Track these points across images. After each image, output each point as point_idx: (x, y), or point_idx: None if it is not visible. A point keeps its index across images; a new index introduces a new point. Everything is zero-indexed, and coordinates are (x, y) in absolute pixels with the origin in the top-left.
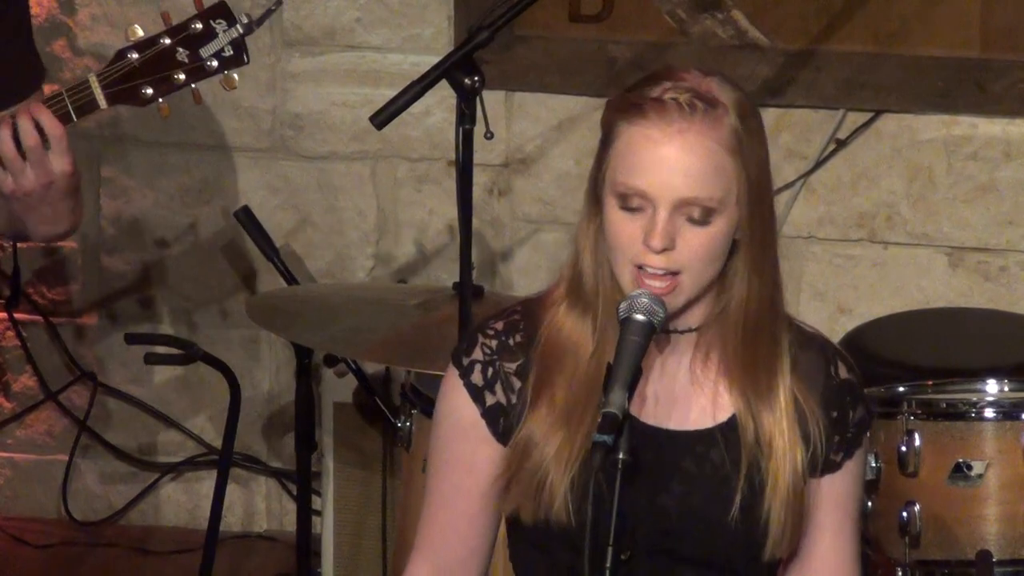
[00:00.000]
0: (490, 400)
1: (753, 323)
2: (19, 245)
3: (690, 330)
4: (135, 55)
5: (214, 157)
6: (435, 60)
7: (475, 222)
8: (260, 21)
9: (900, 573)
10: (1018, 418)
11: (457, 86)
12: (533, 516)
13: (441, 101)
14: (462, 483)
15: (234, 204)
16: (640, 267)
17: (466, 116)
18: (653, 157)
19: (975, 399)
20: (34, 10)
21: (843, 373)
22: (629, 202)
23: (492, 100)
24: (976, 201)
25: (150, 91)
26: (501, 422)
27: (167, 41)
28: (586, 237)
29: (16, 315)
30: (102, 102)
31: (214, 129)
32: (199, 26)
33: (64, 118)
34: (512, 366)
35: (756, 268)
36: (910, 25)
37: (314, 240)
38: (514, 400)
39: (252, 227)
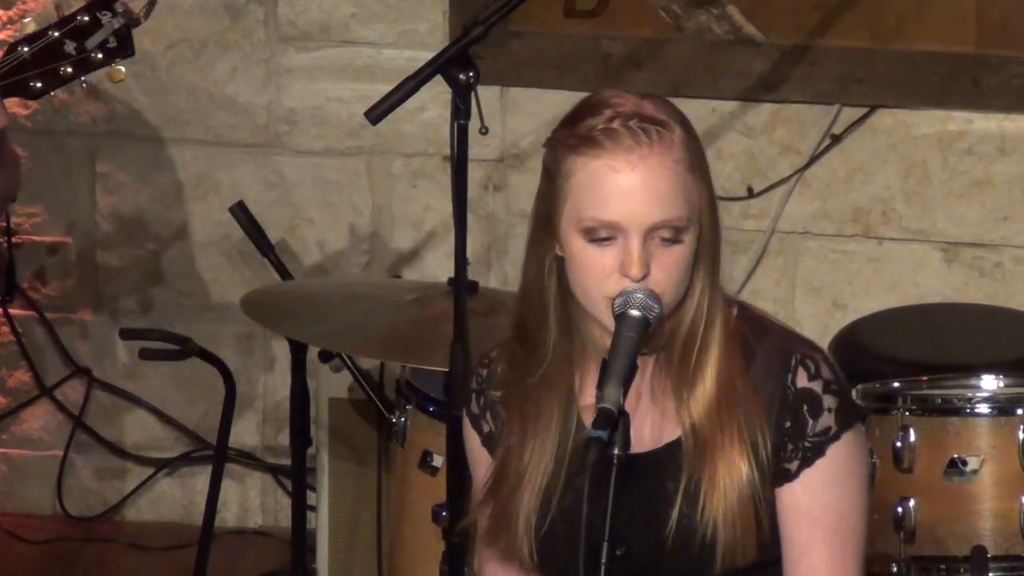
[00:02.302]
0: (485, 428)
1: (701, 335)
2: (14, 241)
3: (646, 354)
4: (25, 48)
5: (209, 152)
6: (430, 55)
7: (470, 217)
8: (147, 12)
9: (895, 569)
10: (1013, 414)
11: (452, 81)
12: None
13: (436, 96)
14: None
15: (229, 200)
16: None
17: (461, 111)
18: (620, 187)
19: (970, 395)
20: None
21: (802, 382)
22: (597, 234)
23: (487, 95)
24: (971, 196)
25: (39, 84)
26: (496, 450)
27: (55, 33)
28: (536, 276)
29: (11, 310)
30: None
31: (209, 125)
32: (86, 18)
33: None
34: (497, 394)
35: (712, 281)
36: (905, 20)
37: (309, 235)
38: (498, 427)
39: (247, 222)
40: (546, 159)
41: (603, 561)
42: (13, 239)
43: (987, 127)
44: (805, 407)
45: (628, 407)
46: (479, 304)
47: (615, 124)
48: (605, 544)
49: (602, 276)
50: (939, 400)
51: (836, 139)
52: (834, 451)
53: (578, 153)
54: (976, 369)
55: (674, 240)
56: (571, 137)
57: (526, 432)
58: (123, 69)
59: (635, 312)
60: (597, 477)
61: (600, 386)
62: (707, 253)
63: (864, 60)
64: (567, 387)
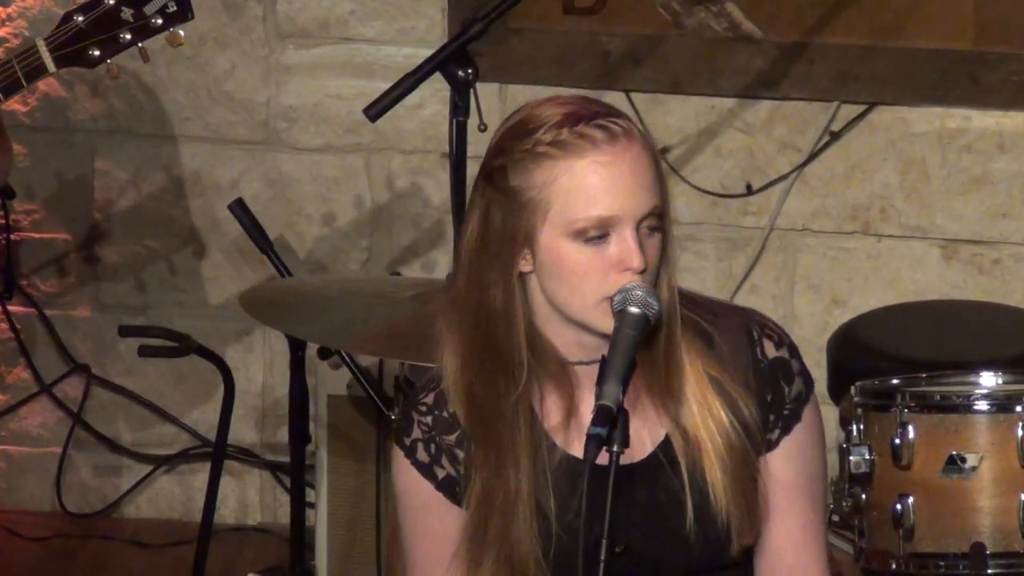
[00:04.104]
0: (440, 474)
1: (666, 328)
2: (12, 237)
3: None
4: (81, 17)
5: (208, 149)
6: (429, 53)
7: None
8: None
9: (894, 566)
10: (1012, 411)
11: (451, 79)
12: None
13: (435, 93)
14: (437, 552)
15: (228, 196)
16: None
17: (460, 108)
18: (612, 180)
19: (969, 391)
20: None
21: (771, 351)
22: (589, 234)
23: (486, 92)
24: (970, 193)
25: (97, 52)
26: (456, 490)
27: (111, 1)
28: (501, 297)
29: (10, 307)
30: (51, 66)
31: (208, 121)
32: None
33: (14, 84)
34: (451, 438)
35: (671, 267)
36: (904, 18)
37: (308, 232)
38: (461, 470)
39: (246, 219)
40: (501, 181)
41: (602, 559)
42: (12, 236)
43: (986, 124)
44: (780, 375)
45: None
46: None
47: (580, 126)
48: (604, 542)
49: (600, 276)
50: (938, 397)
51: (835, 136)
52: (807, 413)
53: (554, 159)
54: (975, 366)
55: (658, 227)
56: (537, 147)
57: (503, 458)
58: (183, 33)
59: (635, 309)
60: (595, 479)
61: (599, 383)
62: (670, 242)
63: (863, 57)
64: (531, 405)
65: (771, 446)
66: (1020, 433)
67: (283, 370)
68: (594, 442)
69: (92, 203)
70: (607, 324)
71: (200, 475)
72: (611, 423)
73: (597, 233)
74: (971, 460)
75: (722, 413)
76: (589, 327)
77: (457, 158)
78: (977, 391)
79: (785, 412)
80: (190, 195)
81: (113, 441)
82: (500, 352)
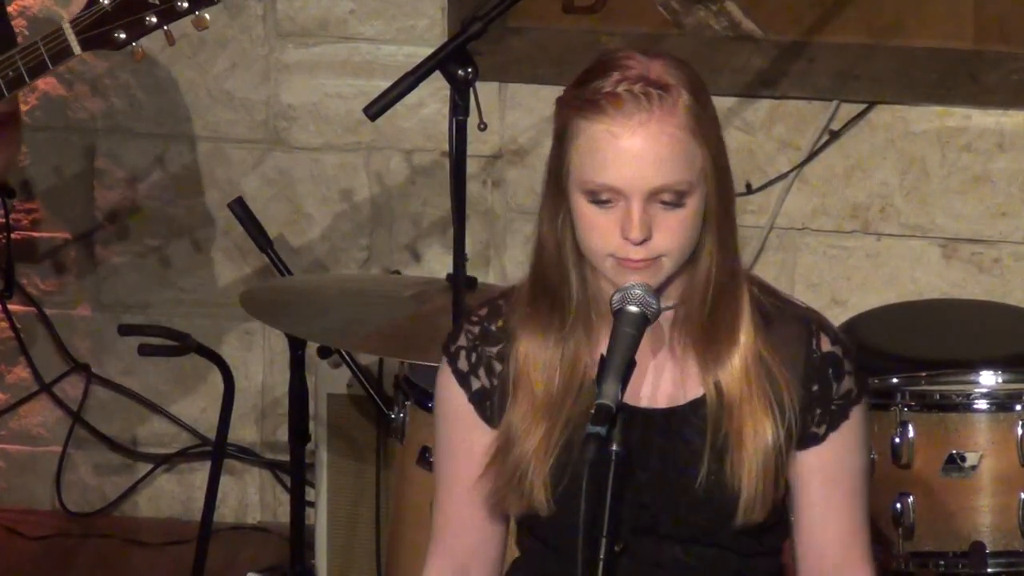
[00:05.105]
0: (475, 385)
1: (718, 295)
2: (12, 236)
3: (667, 308)
4: (106, 0)
5: (208, 148)
6: (429, 51)
7: (468, 213)
8: None
9: (894, 564)
10: (1012, 409)
11: (451, 77)
12: (517, 506)
13: (435, 92)
14: (463, 470)
15: (228, 195)
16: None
17: (459, 107)
18: (619, 152)
19: (969, 390)
20: None
21: (826, 346)
22: (599, 196)
23: (486, 91)
24: (970, 192)
25: (123, 35)
26: (487, 406)
27: None
28: (550, 231)
29: (10, 306)
30: (76, 48)
31: (208, 120)
32: None
33: (40, 67)
34: (493, 350)
35: (722, 240)
36: (903, 16)
37: (308, 231)
38: (495, 383)
39: (246, 218)
40: (556, 118)
41: (601, 557)
42: (12, 235)
43: (985, 123)
44: (830, 370)
45: (650, 361)
46: (478, 299)
47: (620, 88)
48: (604, 540)
49: (604, 235)
50: (938, 396)
51: (835, 135)
52: (855, 413)
53: (581, 116)
54: (975, 365)
55: (677, 204)
56: (576, 99)
57: (543, 383)
58: (209, 16)
59: (633, 308)
60: (596, 472)
61: (598, 382)
62: (715, 215)
63: (863, 56)
64: (582, 339)
65: (817, 440)
66: (1020, 432)
67: (283, 369)
68: (592, 441)
69: (92, 202)
70: (616, 278)
71: (200, 474)
72: (610, 422)
73: (605, 197)
74: (971, 459)
75: (762, 392)
76: (606, 277)
77: (457, 157)
78: (977, 390)
79: (833, 408)
80: (190, 194)
81: (113, 440)
82: (551, 287)
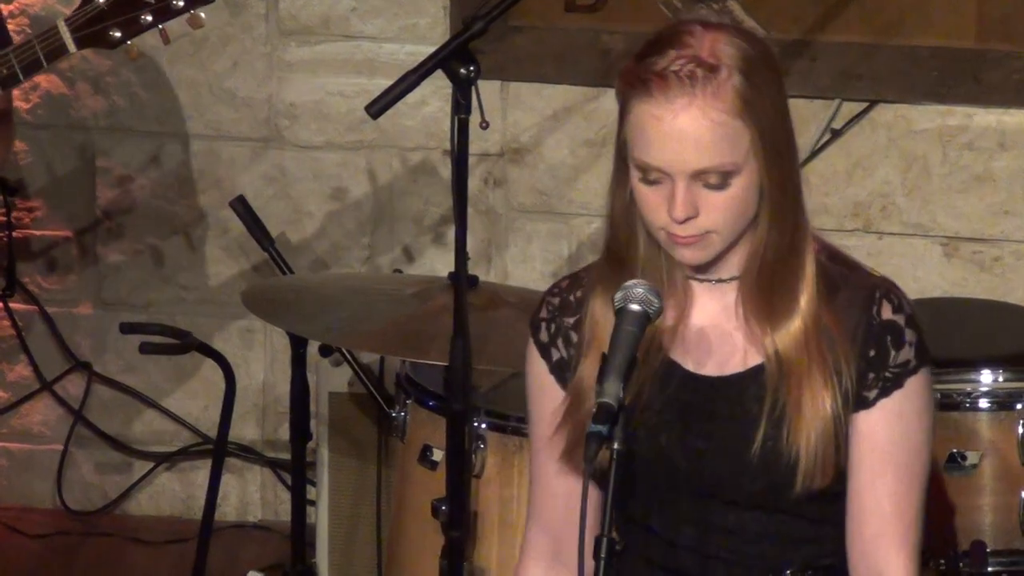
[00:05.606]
0: (555, 356)
1: (778, 265)
2: (14, 235)
3: (733, 278)
4: None
5: (209, 147)
6: (431, 50)
7: (470, 212)
8: None
9: None
10: (1012, 408)
11: (453, 76)
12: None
13: (437, 91)
14: (547, 436)
15: (229, 194)
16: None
17: (461, 106)
18: (661, 135)
19: (970, 389)
20: None
21: (887, 314)
22: (648, 175)
23: (488, 90)
24: (971, 191)
25: (118, 34)
26: (567, 376)
27: None
28: (618, 199)
29: (11, 304)
30: (71, 47)
31: (209, 119)
32: None
33: (34, 65)
34: (571, 320)
35: (778, 213)
36: (906, 15)
37: (309, 230)
38: (572, 353)
39: (247, 217)
40: (616, 92)
41: (602, 556)
42: (13, 233)
43: (987, 122)
44: (888, 338)
45: (715, 331)
46: (479, 298)
47: (669, 68)
48: (605, 539)
49: (655, 210)
50: (938, 394)
51: (836, 134)
52: (911, 384)
53: (633, 94)
54: (976, 363)
55: (722, 185)
56: (632, 76)
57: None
58: (204, 15)
59: (635, 307)
60: (674, 400)
61: (599, 380)
62: (774, 189)
63: (864, 55)
64: None
65: (866, 404)
66: (1021, 431)
67: (284, 367)
68: (594, 440)
69: (93, 200)
70: (670, 250)
71: (201, 472)
72: (613, 420)
73: (652, 177)
74: (971, 457)
75: (822, 360)
76: (663, 246)
77: (459, 155)
78: (978, 389)
79: (887, 375)
80: (192, 192)
81: (114, 438)
82: (619, 251)
